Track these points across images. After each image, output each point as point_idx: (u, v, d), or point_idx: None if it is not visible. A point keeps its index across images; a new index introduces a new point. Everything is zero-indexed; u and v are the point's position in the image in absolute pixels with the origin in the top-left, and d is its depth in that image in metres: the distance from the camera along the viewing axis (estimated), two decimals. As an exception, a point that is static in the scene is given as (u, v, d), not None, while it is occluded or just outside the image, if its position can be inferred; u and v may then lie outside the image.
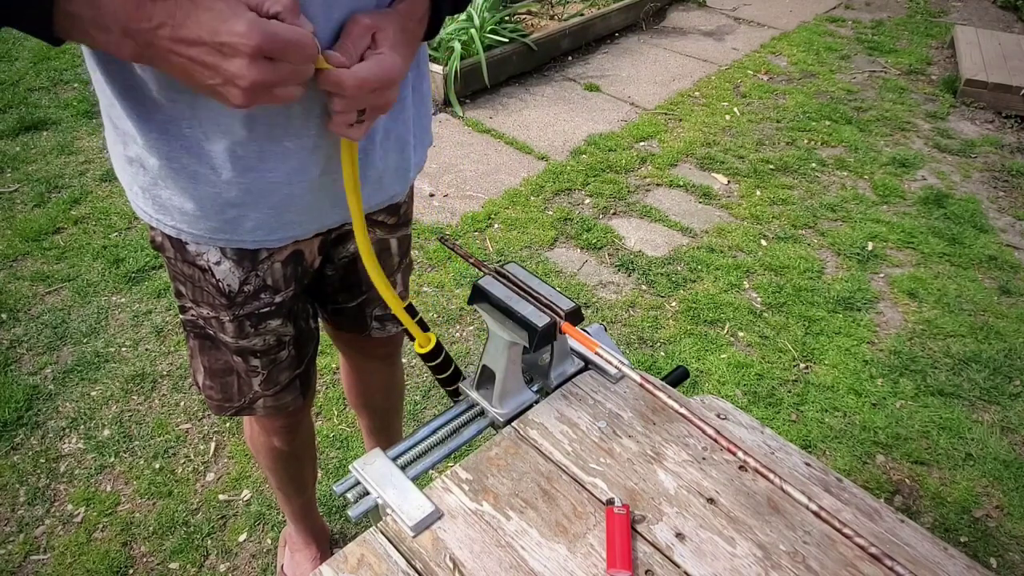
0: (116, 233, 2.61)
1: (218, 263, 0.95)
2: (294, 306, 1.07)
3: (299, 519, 1.57)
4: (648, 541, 0.81)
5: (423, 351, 1.03)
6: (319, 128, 0.82)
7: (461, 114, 3.47)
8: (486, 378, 1.00)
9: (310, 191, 0.88)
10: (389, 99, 0.75)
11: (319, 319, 1.23)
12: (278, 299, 1.02)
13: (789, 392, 2.11)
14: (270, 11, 0.62)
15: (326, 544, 1.65)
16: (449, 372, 1.06)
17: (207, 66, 0.62)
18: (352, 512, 0.89)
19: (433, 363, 1.04)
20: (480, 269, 0.99)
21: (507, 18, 3.98)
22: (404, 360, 2.16)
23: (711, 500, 0.86)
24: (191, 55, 0.62)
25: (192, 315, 1.04)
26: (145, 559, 1.66)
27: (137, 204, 0.93)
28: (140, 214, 0.93)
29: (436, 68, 3.47)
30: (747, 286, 2.49)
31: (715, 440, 0.78)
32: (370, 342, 1.28)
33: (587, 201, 2.89)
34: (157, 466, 1.86)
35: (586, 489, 0.87)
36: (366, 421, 1.62)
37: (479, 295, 0.96)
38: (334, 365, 2.12)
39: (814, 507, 0.71)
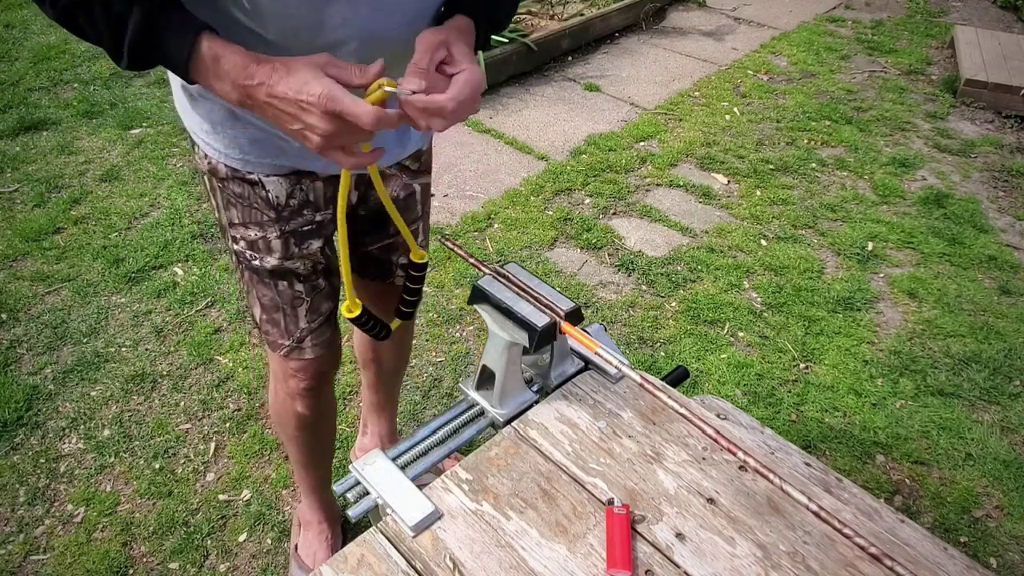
0: (116, 233, 2.61)
1: (268, 176, 1.06)
2: (332, 236, 1.16)
3: (314, 491, 1.61)
4: (648, 541, 0.81)
5: (419, 260, 1.15)
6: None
7: (461, 114, 3.47)
8: (486, 378, 1.00)
9: None
10: (477, 109, 0.85)
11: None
12: (319, 218, 1.12)
13: (789, 392, 2.11)
14: (352, 83, 0.79)
15: (337, 524, 1.68)
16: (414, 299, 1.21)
17: (292, 116, 0.80)
18: (352, 512, 0.89)
19: (417, 275, 1.18)
20: (480, 269, 0.99)
21: (507, 18, 3.98)
22: (413, 362, 2.16)
23: (711, 500, 0.86)
24: (280, 107, 0.80)
25: (242, 244, 1.13)
26: (145, 559, 1.66)
27: (206, 142, 1.04)
28: (208, 151, 1.05)
29: (436, 68, 3.46)
30: (747, 286, 2.49)
31: (715, 440, 0.78)
32: (392, 292, 1.34)
33: (587, 201, 2.89)
34: (157, 466, 1.86)
35: (586, 489, 0.87)
36: (370, 376, 1.67)
37: (479, 295, 0.96)
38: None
39: (814, 507, 0.71)
